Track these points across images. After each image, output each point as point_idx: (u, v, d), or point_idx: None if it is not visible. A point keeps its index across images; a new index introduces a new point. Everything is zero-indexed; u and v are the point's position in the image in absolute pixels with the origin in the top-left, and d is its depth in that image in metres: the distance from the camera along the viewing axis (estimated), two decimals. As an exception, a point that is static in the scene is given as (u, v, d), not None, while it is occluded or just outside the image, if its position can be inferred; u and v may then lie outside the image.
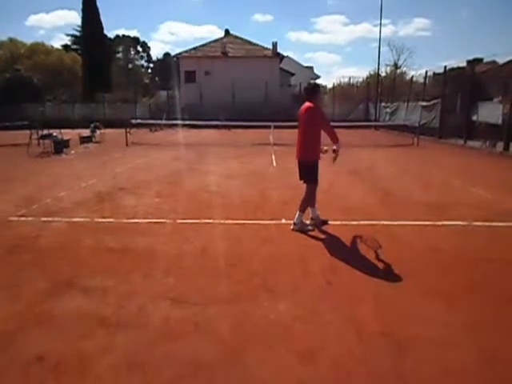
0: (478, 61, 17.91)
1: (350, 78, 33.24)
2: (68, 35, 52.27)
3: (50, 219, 5.33)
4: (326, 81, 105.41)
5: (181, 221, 5.28)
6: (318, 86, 4.98)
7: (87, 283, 3.44)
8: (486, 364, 2.39)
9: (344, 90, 33.18)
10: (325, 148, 4.86)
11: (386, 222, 5.19)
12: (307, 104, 4.77)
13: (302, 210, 4.90)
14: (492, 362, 2.41)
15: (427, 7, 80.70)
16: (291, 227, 4.91)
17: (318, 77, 50.90)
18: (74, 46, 48.67)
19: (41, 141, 13.87)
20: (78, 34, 46.08)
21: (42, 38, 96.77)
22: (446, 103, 16.87)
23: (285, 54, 33.92)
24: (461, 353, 2.49)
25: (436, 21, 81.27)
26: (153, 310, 2.99)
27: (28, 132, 14.01)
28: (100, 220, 5.31)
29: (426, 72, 19.33)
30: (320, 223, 5.07)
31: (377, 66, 28.99)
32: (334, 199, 6.48)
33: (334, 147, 4.73)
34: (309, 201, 4.93)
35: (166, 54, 59.66)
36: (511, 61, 15.80)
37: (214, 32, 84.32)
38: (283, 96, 30.02)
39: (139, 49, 63.27)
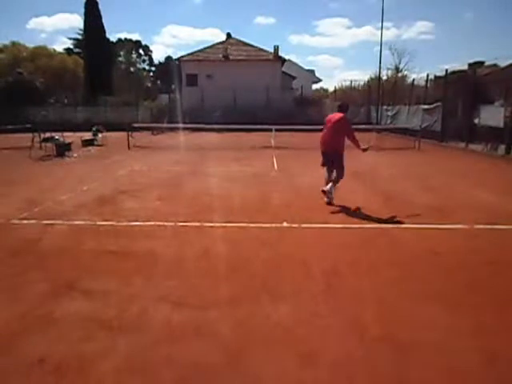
0: (480, 64, 17.95)
1: (351, 82, 33.31)
2: (70, 39, 52.40)
3: (52, 222, 5.34)
4: (328, 84, 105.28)
5: (182, 224, 5.28)
6: (348, 105, 6.86)
7: (89, 286, 3.44)
8: (488, 367, 2.38)
9: (345, 94, 33.21)
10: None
11: (387, 225, 5.18)
12: (340, 114, 6.46)
13: (335, 183, 6.43)
14: (494, 364, 2.40)
15: (430, 10, 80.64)
16: (326, 200, 6.28)
17: (319, 80, 51.00)
18: (77, 50, 48.87)
19: (43, 144, 13.90)
20: (80, 37, 46.30)
21: (44, 41, 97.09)
22: (448, 106, 16.86)
23: (287, 57, 34.05)
24: (462, 356, 2.48)
25: (439, 24, 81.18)
26: (154, 313, 3.00)
27: (30, 135, 14.06)
28: (102, 223, 5.32)
29: (428, 75, 19.35)
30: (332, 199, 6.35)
31: (378, 70, 29.03)
32: (335, 202, 6.47)
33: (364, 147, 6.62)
34: (340, 179, 6.45)
35: (168, 58, 59.71)
36: (513, 64, 15.81)
37: (217, 35, 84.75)
38: (285, 99, 30.06)
39: (141, 52, 63.47)
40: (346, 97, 31.89)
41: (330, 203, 6.28)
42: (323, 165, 6.68)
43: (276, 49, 31.12)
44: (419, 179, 8.80)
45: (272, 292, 3.33)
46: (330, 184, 6.35)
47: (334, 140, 6.38)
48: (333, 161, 6.48)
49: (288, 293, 3.33)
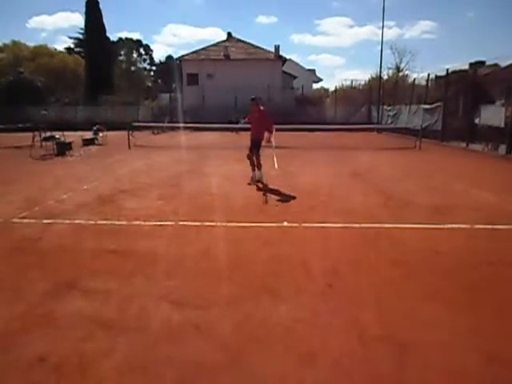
0: (481, 63, 17.94)
1: (352, 81, 33.28)
2: (71, 38, 52.49)
3: (53, 221, 5.35)
4: (329, 83, 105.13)
5: (183, 223, 5.28)
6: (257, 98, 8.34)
7: (89, 285, 3.44)
8: (487, 367, 2.38)
9: (346, 93, 33.20)
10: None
11: (387, 225, 5.18)
12: (262, 107, 8.11)
13: (260, 168, 8.01)
14: (494, 364, 2.40)
15: (433, 9, 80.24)
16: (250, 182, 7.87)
17: (320, 79, 50.98)
18: (78, 49, 48.89)
19: (43, 143, 13.92)
20: (80, 36, 46.32)
21: (44, 40, 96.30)
22: (449, 106, 16.85)
23: (288, 56, 34.09)
24: (462, 356, 2.48)
25: (441, 23, 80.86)
26: (154, 313, 3.00)
27: (31, 134, 14.08)
28: (102, 222, 5.32)
29: (429, 75, 19.34)
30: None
31: (379, 69, 29.02)
32: (336, 201, 6.48)
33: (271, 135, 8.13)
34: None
35: (169, 57, 59.71)
36: (514, 63, 15.78)
37: (218, 34, 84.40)
38: (285, 99, 30.04)
39: (142, 51, 63.42)
40: (346, 96, 31.93)
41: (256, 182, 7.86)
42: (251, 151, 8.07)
43: (277, 48, 31.14)
44: (420, 179, 8.79)
45: (272, 291, 3.33)
46: (259, 171, 8.02)
47: (259, 129, 7.94)
48: (257, 147, 7.96)
49: (288, 292, 3.33)
